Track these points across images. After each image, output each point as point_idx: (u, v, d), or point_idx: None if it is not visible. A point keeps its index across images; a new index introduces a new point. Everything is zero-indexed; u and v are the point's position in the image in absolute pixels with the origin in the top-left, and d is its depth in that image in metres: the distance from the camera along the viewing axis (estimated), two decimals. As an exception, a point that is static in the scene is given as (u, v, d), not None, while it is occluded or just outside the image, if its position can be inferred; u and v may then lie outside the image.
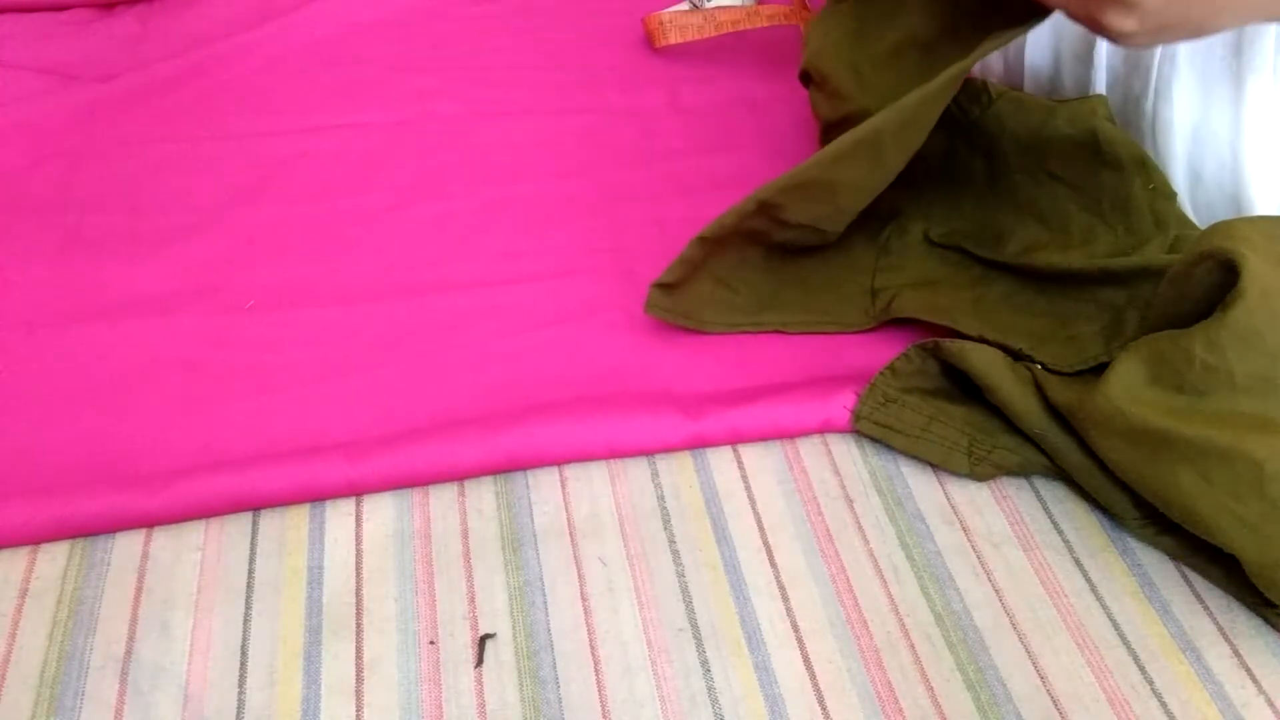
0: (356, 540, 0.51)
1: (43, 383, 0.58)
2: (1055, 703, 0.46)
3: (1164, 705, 0.46)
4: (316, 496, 0.52)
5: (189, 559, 0.50)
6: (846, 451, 0.56)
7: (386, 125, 0.77)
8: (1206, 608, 0.49)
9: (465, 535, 0.52)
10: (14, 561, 0.50)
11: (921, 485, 0.54)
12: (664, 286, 0.59)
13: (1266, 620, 0.49)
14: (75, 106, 0.77)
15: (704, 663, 0.47)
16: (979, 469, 0.54)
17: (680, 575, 0.50)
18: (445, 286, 0.64)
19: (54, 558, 0.50)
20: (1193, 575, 0.51)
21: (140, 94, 0.78)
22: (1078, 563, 0.51)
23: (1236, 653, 0.48)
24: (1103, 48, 0.63)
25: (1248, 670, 0.47)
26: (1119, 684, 0.47)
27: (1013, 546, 0.52)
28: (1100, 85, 0.64)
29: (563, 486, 0.54)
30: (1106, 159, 0.60)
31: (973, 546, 0.52)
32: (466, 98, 0.80)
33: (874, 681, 0.46)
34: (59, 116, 0.76)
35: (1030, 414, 0.53)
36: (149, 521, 0.51)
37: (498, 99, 0.80)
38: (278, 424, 0.56)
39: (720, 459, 0.55)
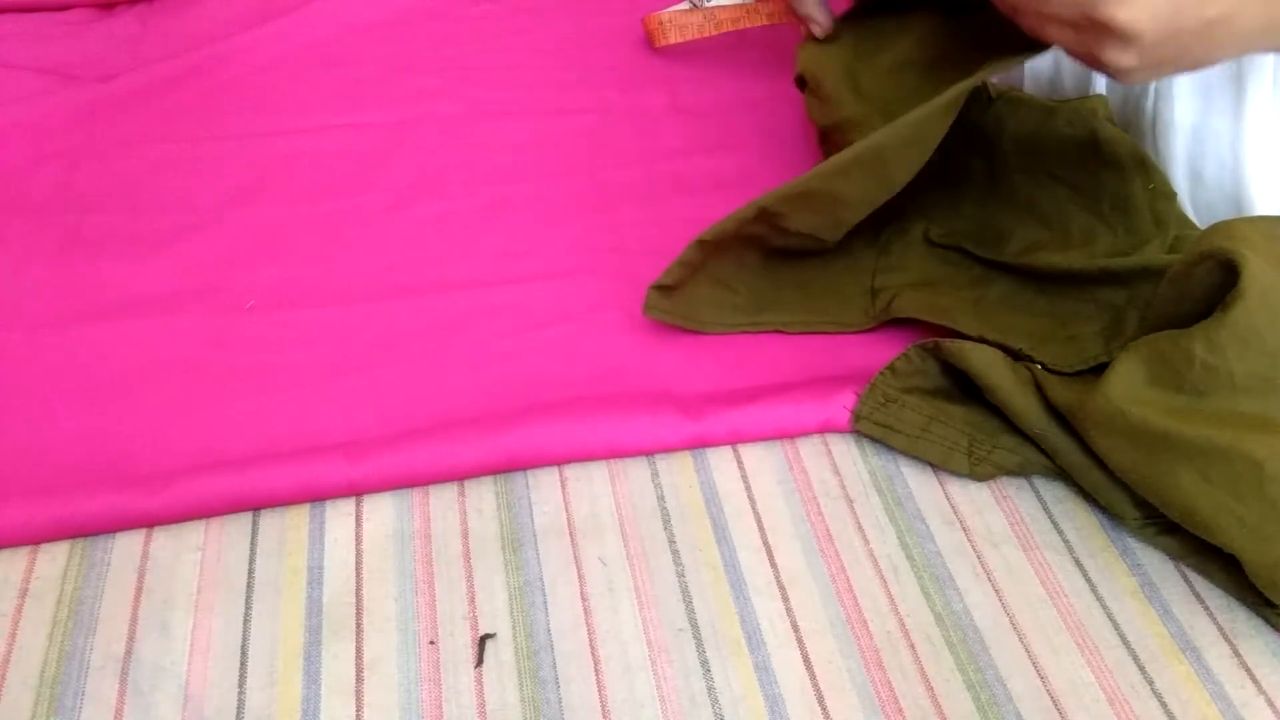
0: (356, 540, 0.51)
1: (43, 383, 0.58)
2: (1055, 703, 0.46)
3: (1164, 705, 0.46)
4: (316, 496, 0.52)
5: (189, 559, 0.50)
6: (846, 451, 0.56)
7: (386, 125, 0.77)
8: (1206, 608, 0.49)
9: (465, 535, 0.52)
10: (14, 561, 0.50)
11: (921, 485, 0.54)
12: (663, 288, 0.59)
13: (1266, 620, 0.49)
14: (75, 106, 0.76)
15: (704, 663, 0.47)
16: (979, 469, 0.54)
17: (680, 575, 0.50)
18: (445, 286, 0.64)
19: (54, 558, 0.50)
20: (1193, 575, 0.51)
21: (140, 94, 0.78)
22: (1078, 563, 0.51)
23: (1236, 653, 0.48)
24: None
25: (1248, 670, 0.47)
26: (1119, 684, 0.47)
27: (1013, 547, 0.52)
28: (1100, 85, 0.64)
29: (563, 486, 0.54)
30: (1106, 159, 0.60)
31: (973, 546, 0.52)
32: (466, 98, 0.79)
33: (874, 681, 0.46)
34: (59, 116, 0.76)
35: (1030, 414, 0.52)
36: (149, 521, 0.51)
37: (498, 99, 0.79)
38: (278, 424, 0.56)
39: (720, 459, 0.55)
